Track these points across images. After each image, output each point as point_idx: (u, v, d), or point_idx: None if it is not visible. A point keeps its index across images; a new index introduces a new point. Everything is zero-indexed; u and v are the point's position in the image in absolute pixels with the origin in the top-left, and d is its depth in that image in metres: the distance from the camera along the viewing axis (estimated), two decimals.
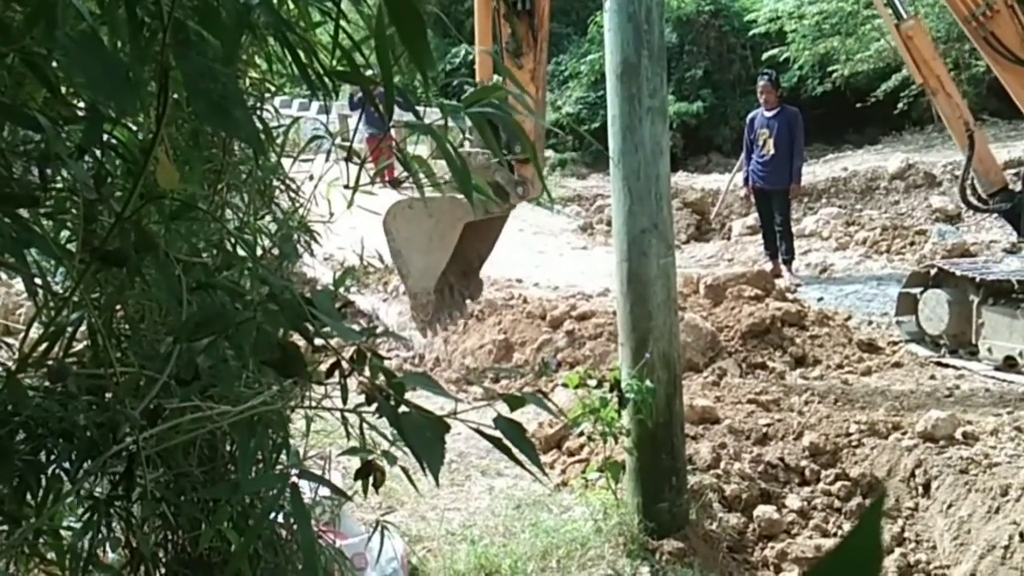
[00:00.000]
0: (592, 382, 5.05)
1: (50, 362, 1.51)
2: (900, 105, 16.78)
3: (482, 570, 4.47)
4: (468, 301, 8.11)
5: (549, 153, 19.61)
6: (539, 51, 7.26)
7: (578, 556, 4.61)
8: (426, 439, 1.23)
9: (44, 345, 1.53)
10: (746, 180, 11.09)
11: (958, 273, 7.61)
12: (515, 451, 1.35)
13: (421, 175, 1.85)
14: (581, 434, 5.30)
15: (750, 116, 11.01)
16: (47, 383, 1.50)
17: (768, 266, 10.60)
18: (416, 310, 7.72)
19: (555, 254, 13.01)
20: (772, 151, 10.49)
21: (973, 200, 8.26)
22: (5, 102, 1.24)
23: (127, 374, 1.53)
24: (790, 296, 8.89)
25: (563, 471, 5.80)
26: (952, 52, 15.82)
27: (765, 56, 19.24)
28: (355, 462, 1.66)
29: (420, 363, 8.48)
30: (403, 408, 1.29)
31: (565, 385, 5.24)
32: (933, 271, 8.03)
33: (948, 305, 7.66)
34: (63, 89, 1.44)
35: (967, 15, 7.38)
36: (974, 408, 6.45)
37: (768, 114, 10.59)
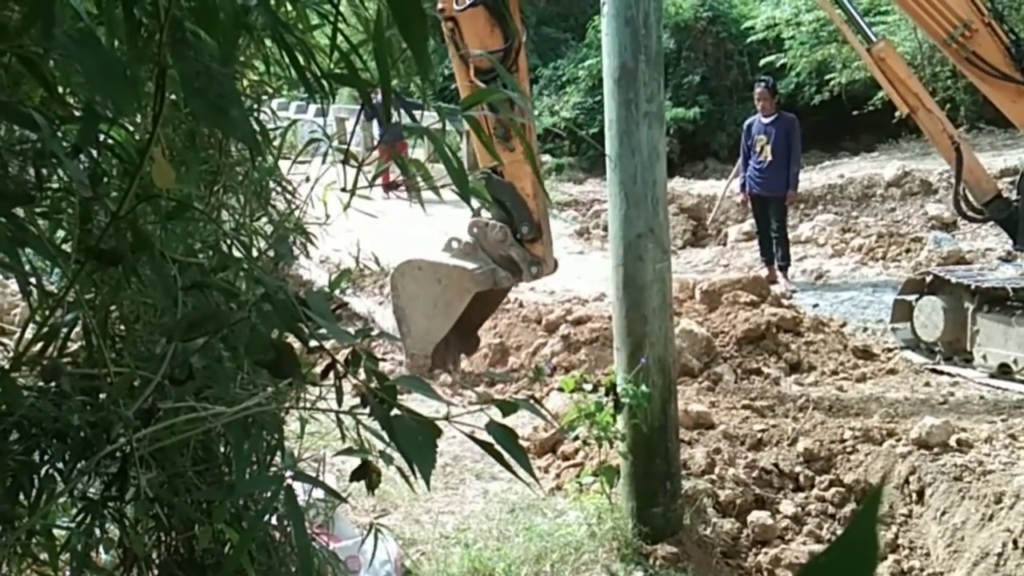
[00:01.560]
0: (587, 386, 5.04)
1: (44, 362, 1.51)
2: (897, 112, 16.79)
3: (476, 574, 4.46)
4: (463, 356, 8.19)
5: (546, 158, 19.64)
6: (527, 131, 7.30)
7: (572, 560, 4.60)
8: (417, 443, 1.23)
9: (38, 345, 1.53)
10: (743, 186, 11.10)
11: (953, 280, 7.62)
12: (507, 457, 1.35)
13: (419, 179, 1.85)
14: (576, 438, 5.29)
15: (747, 123, 11.02)
16: (41, 382, 1.50)
17: (764, 272, 10.60)
18: (411, 369, 7.77)
19: None
20: (769, 158, 10.50)
21: (967, 210, 8.26)
22: (2, 101, 1.24)
23: (121, 374, 1.52)
24: (785, 302, 8.88)
25: (558, 475, 5.80)
26: (948, 61, 15.83)
27: (762, 63, 19.28)
28: (349, 464, 1.66)
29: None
30: (395, 411, 1.29)
31: (560, 389, 5.24)
32: (929, 278, 8.04)
33: (943, 312, 7.67)
34: (60, 88, 1.44)
35: (945, 38, 7.37)
36: (968, 415, 6.46)
37: (765, 120, 10.61)
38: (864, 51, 8.10)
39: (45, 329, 1.48)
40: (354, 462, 1.63)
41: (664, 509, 4.88)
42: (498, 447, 1.31)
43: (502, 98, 2.01)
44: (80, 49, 0.97)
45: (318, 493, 2.95)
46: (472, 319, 8.17)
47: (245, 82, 2.39)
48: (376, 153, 1.79)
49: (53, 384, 1.45)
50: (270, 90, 2.54)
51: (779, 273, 10.84)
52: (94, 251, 1.22)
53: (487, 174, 7.14)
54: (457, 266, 7.59)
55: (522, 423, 5.94)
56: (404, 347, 7.91)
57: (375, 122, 2.01)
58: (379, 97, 1.41)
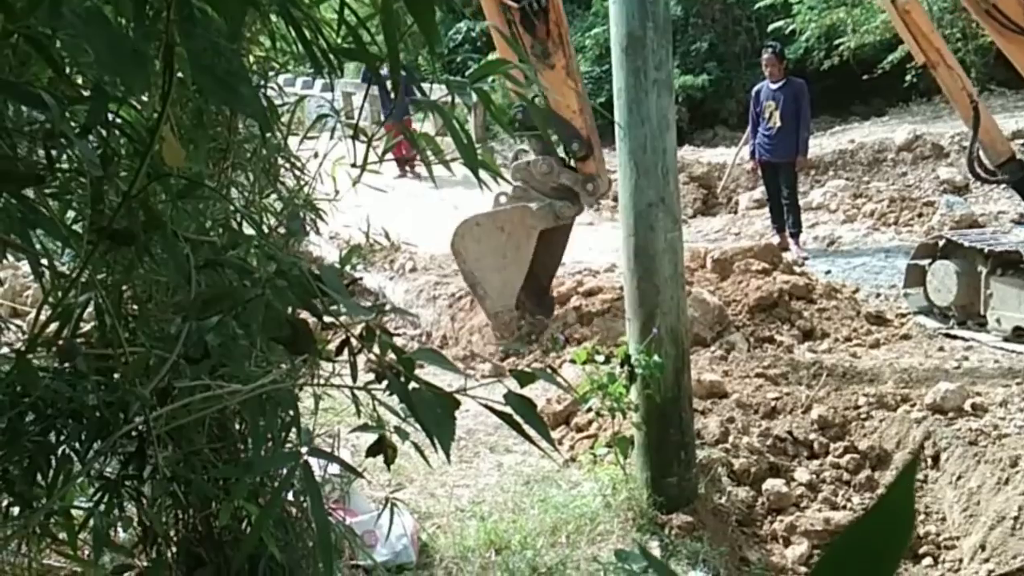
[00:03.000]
0: (600, 358, 5.04)
1: (59, 343, 1.51)
2: (908, 77, 16.67)
3: (492, 546, 4.48)
4: (544, 320, 8.02)
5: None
6: (565, 45, 7.20)
7: (587, 531, 4.62)
8: (437, 416, 1.22)
9: (53, 326, 1.53)
10: (752, 153, 11.02)
11: (966, 244, 7.58)
12: (526, 427, 1.35)
13: (429, 153, 1.84)
14: (589, 410, 5.29)
15: (755, 89, 10.93)
16: (57, 363, 1.50)
17: (775, 239, 10.56)
18: (499, 329, 7.59)
19: None
20: (778, 124, 10.42)
21: (981, 172, 8.20)
22: (11, 81, 1.23)
23: (137, 354, 1.53)
24: (798, 269, 8.85)
25: (571, 447, 5.81)
26: (958, 22, 15.71)
27: (771, 28, 19.08)
28: (363, 439, 1.67)
29: (427, 341, 8.48)
30: (413, 385, 1.29)
31: (573, 361, 5.23)
32: (941, 242, 8.00)
33: (956, 276, 7.63)
34: (67, 69, 1.44)
35: None
36: (983, 379, 6.44)
37: (774, 86, 10.52)
38: (889, 3, 8.00)
39: (59, 310, 1.48)
40: (369, 437, 1.63)
41: (679, 479, 4.88)
42: (517, 417, 1.31)
43: (510, 69, 2.00)
44: (89, 28, 0.96)
45: (333, 468, 2.96)
46: (539, 277, 8.00)
47: (251, 58, 2.38)
48: (384, 128, 1.78)
49: (69, 364, 1.46)
50: (276, 66, 2.53)
51: (791, 240, 10.79)
52: (107, 231, 1.22)
53: (522, 106, 7.04)
54: (515, 207, 7.45)
55: (534, 396, 5.93)
56: (485, 310, 7.74)
57: (367, 89, 1.99)
58: (387, 71, 1.40)
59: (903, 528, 0.40)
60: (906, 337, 7.61)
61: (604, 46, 18.79)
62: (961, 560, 5.03)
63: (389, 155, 1.87)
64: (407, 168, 13.61)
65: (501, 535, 4.54)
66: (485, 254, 7.49)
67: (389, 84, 1.54)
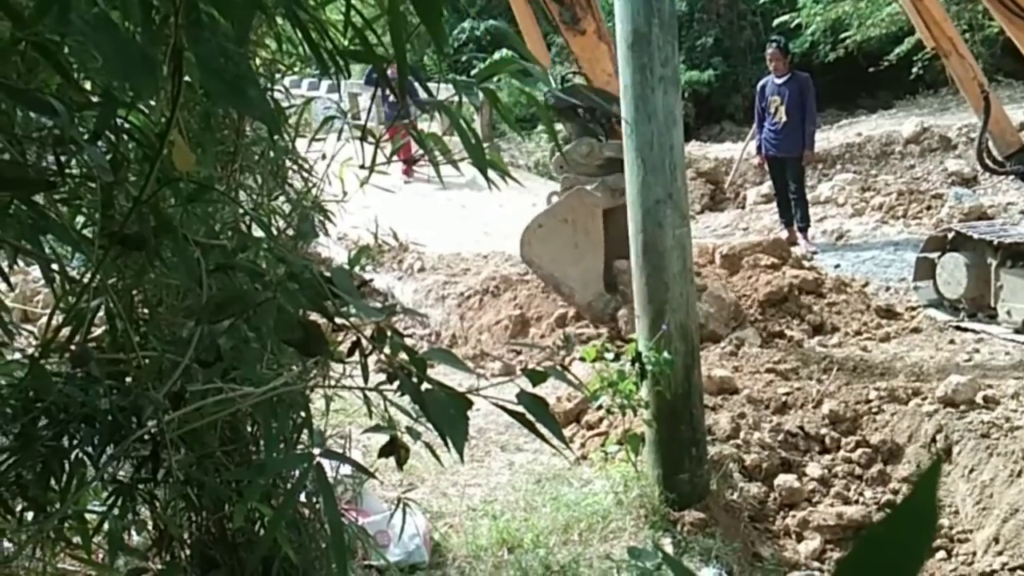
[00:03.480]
0: (609, 355, 5.04)
1: (72, 347, 1.51)
2: (914, 69, 16.62)
3: (504, 545, 4.48)
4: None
5: (559, 126, 19.50)
6: (594, 8, 7.09)
7: (600, 529, 4.62)
8: (449, 416, 1.23)
9: (65, 331, 1.53)
10: (759, 148, 11.01)
11: (976, 236, 7.55)
12: (539, 426, 1.35)
13: (437, 153, 1.84)
14: (600, 407, 5.29)
15: (760, 84, 10.91)
16: (70, 368, 1.51)
17: (784, 234, 10.54)
18: (596, 319, 7.40)
19: None
20: (784, 118, 10.40)
21: (990, 163, 8.18)
22: (21, 88, 1.24)
23: (150, 358, 1.53)
24: (807, 264, 8.84)
25: (582, 445, 5.80)
26: (965, 13, 15.65)
27: (776, 22, 19.04)
28: (375, 440, 1.67)
29: (437, 340, 8.49)
30: (425, 385, 1.29)
31: (582, 359, 5.23)
32: (950, 235, 7.98)
33: (966, 269, 7.61)
34: (76, 75, 1.44)
35: None
36: (994, 372, 6.42)
37: (779, 81, 10.50)
38: None
39: (71, 315, 1.48)
40: (380, 438, 1.63)
41: (690, 475, 4.88)
42: (530, 416, 1.31)
43: (516, 68, 2.00)
44: (97, 34, 0.96)
45: (345, 469, 2.97)
46: (619, 257, 7.88)
47: (258, 61, 2.39)
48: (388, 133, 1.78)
49: (82, 369, 1.46)
50: (283, 68, 2.53)
51: (799, 234, 10.77)
52: (118, 236, 1.23)
53: (553, 95, 6.88)
54: (571, 194, 7.30)
55: (544, 394, 5.94)
56: (576, 305, 7.58)
57: (390, 97, 2.00)
58: (393, 72, 1.40)
59: (927, 528, 0.40)
60: (916, 330, 7.60)
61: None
62: (975, 553, 5.02)
63: (396, 158, 1.87)
64: (408, 172, 13.25)
65: (513, 534, 4.54)
66: (557, 251, 7.32)
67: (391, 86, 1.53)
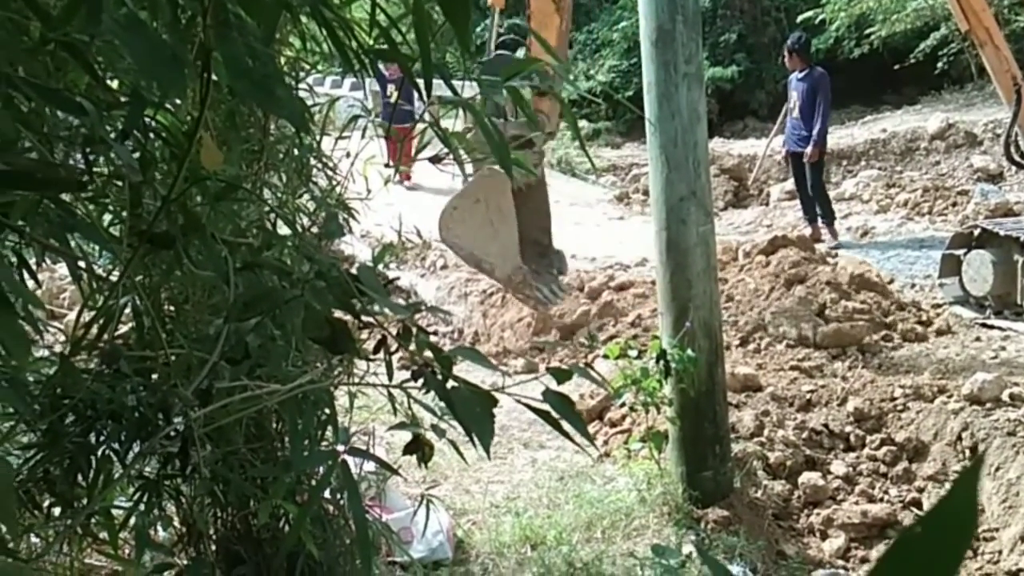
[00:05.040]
0: (632, 353, 5.03)
1: (101, 345, 1.53)
2: (940, 64, 16.50)
3: (527, 541, 4.49)
4: (560, 276, 7.88)
5: (583, 123, 19.49)
6: (562, 10, 7.10)
7: (623, 526, 4.61)
8: (475, 414, 1.23)
9: (93, 328, 1.55)
10: (784, 143, 10.96)
11: (1002, 233, 7.49)
12: (563, 423, 1.35)
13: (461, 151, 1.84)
14: (623, 405, 5.28)
15: (789, 77, 10.88)
16: (100, 365, 1.52)
17: (808, 231, 10.49)
18: (516, 291, 7.49)
19: (591, 225, 12.95)
20: (798, 114, 10.37)
21: (1018, 157, 8.12)
22: (52, 88, 1.25)
23: (178, 355, 1.54)
24: (831, 260, 8.79)
25: (605, 442, 5.80)
26: (991, 6, 15.51)
27: (800, 18, 18.94)
28: (398, 436, 1.68)
29: (459, 338, 8.50)
30: (451, 383, 1.29)
31: (606, 356, 5.22)
32: (976, 231, 7.92)
33: (992, 266, 7.55)
34: (103, 75, 1.45)
35: None
36: (1021, 370, 6.37)
37: (798, 77, 10.45)
38: None
39: (101, 312, 1.50)
40: (403, 435, 1.64)
41: (714, 473, 4.87)
42: (555, 414, 1.31)
43: (540, 67, 2.00)
44: (128, 33, 0.97)
45: (369, 466, 2.98)
46: (538, 238, 7.90)
47: (282, 59, 2.40)
48: (419, 127, 1.79)
49: (112, 366, 1.47)
50: (307, 66, 2.54)
51: (823, 228, 10.72)
52: (147, 235, 1.23)
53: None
54: (479, 175, 7.39)
55: (567, 391, 5.94)
56: (498, 280, 7.65)
57: (390, 97, 2.00)
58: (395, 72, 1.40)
59: (966, 528, 0.40)
60: (942, 328, 7.54)
61: (632, 40, 18.73)
62: (1000, 551, 4.98)
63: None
64: (403, 176, 12.46)
65: (536, 531, 4.55)
66: (474, 231, 7.39)
67: (392, 89, 1.54)
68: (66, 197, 1.45)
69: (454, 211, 7.33)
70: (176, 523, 2.37)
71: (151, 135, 1.56)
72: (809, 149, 10.32)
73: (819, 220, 10.76)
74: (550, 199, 8.00)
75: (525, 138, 7.13)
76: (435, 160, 2.00)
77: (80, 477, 1.67)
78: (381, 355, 1.59)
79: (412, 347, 1.42)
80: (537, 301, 7.31)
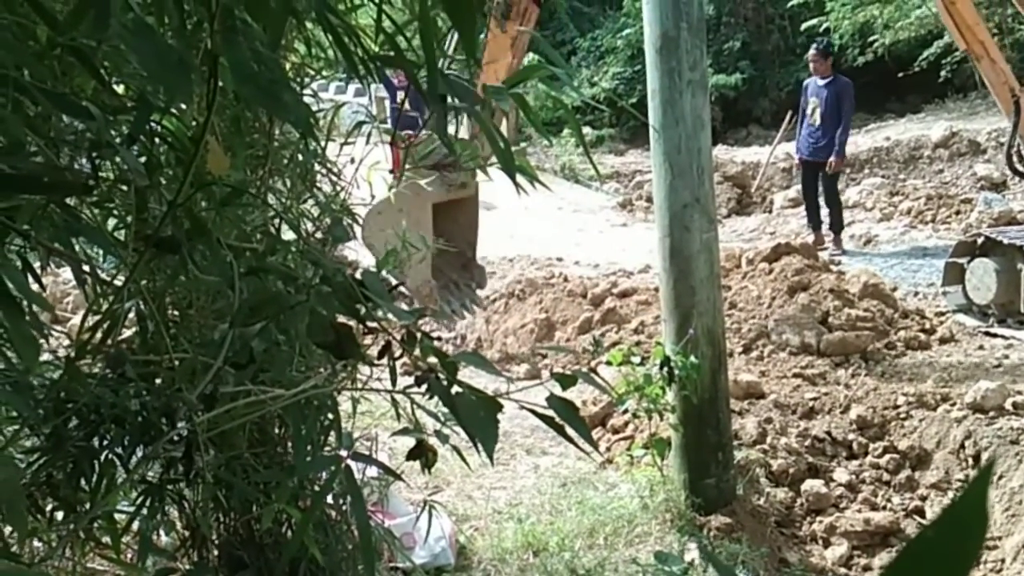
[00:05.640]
0: (636, 359, 5.03)
1: (106, 349, 1.53)
2: (943, 72, 16.51)
3: (529, 548, 4.48)
4: (477, 290, 8.02)
5: (587, 129, 19.51)
6: (525, 20, 7.14)
7: (625, 533, 4.61)
8: (479, 419, 1.23)
9: (98, 332, 1.55)
10: (798, 148, 10.87)
11: (1005, 241, 7.49)
12: (567, 429, 1.35)
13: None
14: (626, 411, 5.28)
15: (805, 82, 10.76)
16: (104, 369, 1.52)
17: (811, 238, 10.48)
18: (423, 302, 7.62)
19: (595, 231, 12.97)
20: (819, 121, 10.29)
21: (1020, 167, 8.12)
22: (59, 93, 1.25)
23: (182, 359, 1.54)
24: (835, 268, 8.79)
25: (608, 448, 5.80)
26: (995, 16, 15.53)
27: (804, 26, 18.97)
28: (400, 442, 1.68)
29: (462, 343, 8.50)
30: (456, 388, 1.29)
31: (609, 363, 5.22)
32: (980, 240, 7.92)
33: (995, 274, 7.55)
34: (110, 80, 1.46)
35: None
36: None
37: (820, 83, 10.35)
38: None
39: (106, 317, 1.50)
40: (407, 440, 1.64)
41: (717, 480, 4.86)
42: (559, 420, 1.31)
43: (545, 74, 2.00)
44: (135, 38, 0.97)
45: (371, 471, 2.98)
46: (462, 249, 7.99)
47: (288, 65, 2.40)
48: (422, 134, 1.79)
49: (116, 370, 1.48)
50: (312, 72, 2.54)
51: (828, 236, 10.70)
52: (152, 239, 1.24)
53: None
54: (407, 187, 7.51)
55: (570, 398, 5.94)
56: (406, 290, 7.77)
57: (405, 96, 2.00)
58: (402, 80, 1.41)
59: (977, 534, 0.40)
60: (945, 336, 7.54)
61: (636, 47, 18.77)
62: (1003, 560, 4.97)
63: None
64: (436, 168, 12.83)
65: (539, 537, 4.54)
66: (391, 238, 7.46)
67: (402, 94, 1.54)
68: (71, 201, 1.45)
69: (378, 215, 7.48)
70: (179, 527, 2.37)
71: (157, 140, 1.56)
72: (833, 159, 10.27)
73: (823, 228, 10.74)
74: (555, 205, 8.06)
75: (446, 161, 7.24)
76: (439, 167, 2.00)
77: (83, 481, 1.67)
78: (385, 360, 1.59)
79: (416, 352, 1.43)
80: (443, 315, 7.42)
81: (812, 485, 5.41)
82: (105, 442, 1.63)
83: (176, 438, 1.59)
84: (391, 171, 1.94)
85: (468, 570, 4.33)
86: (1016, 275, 7.46)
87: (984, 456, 5.46)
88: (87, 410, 1.53)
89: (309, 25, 2.01)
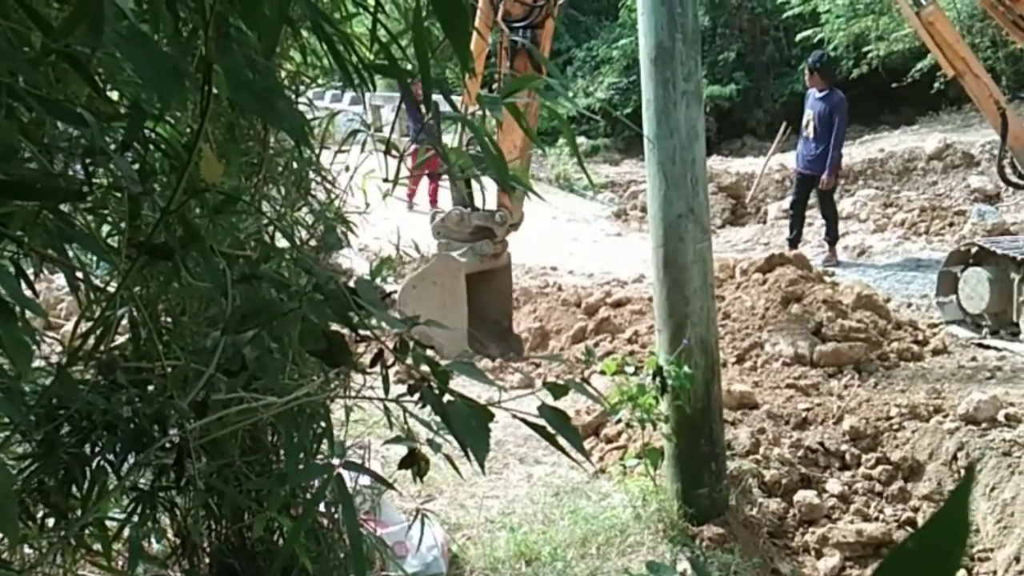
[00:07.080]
0: (629, 369, 5.03)
1: (98, 356, 1.53)
2: (937, 84, 16.57)
3: (522, 557, 4.48)
4: (514, 356, 8.08)
5: (582, 139, 19.55)
6: (544, 48, 7.19)
7: (618, 543, 4.60)
8: (471, 428, 1.23)
9: (90, 339, 1.55)
10: (796, 159, 10.86)
11: (999, 251, 7.51)
12: (559, 439, 1.35)
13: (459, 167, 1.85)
14: (619, 421, 5.28)
15: (807, 92, 10.75)
16: (96, 376, 1.52)
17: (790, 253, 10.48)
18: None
19: (589, 241, 12.99)
20: (812, 135, 10.30)
21: (1013, 178, 8.15)
22: (53, 100, 1.25)
23: (174, 366, 1.54)
24: (828, 279, 8.81)
25: (601, 458, 5.79)
26: (988, 30, 15.59)
27: (798, 38, 19.06)
28: (393, 451, 1.68)
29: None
30: (447, 397, 1.29)
31: (602, 372, 5.23)
32: (973, 249, 7.94)
33: (989, 284, 7.57)
34: (104, 87, 1.46)
35: (993, 1, 7.30)
36: (1017, 389, 6.38)
37: (817, 96, 10.34)
38: (913, 14, 7.99)
39: (99, 323, 1.50)
40: (399, 449, 1.64)
41: (709, 490, 4.86)
42: (551, 429, 1.31)
43: (542, 85, 2.01)
44: (130, 45, 0.98)
45: (364, 480, 2.97)
46: (498, 320, 8.16)
47: (282, 73, 2.40)
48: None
49: (108, 377, 1.47)
50: (307, 80, 2.55)
51: (827, 247, 10.74)
52: (146, 246, 1.24)
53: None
54: (440, 258, 7.75)
55: (563, 407, 5.93)
56: (445, 359, 7.85)
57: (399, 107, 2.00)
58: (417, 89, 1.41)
59: (959, 543, 0.40)
60: (938, 347, 7.55)
61: (631, 57, 18.81)
62: (995, 572, 4.97)
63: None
64: (413, 201, 12.22)
65: (531, 546, 4.54)
66: (428, 310, 7.62)
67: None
68: (65, 208, 1.45)
69: (413, 289, 7.66)
70: (170, 535, 2.36)
71: (151, 147, 1.56)
72: (824, 177, 10.25)
73: (799, 244, 10.74)
74: (550, 215, 8.17)
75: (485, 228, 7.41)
76: (433, 176, 2.00)
77: (75, 488, 1.67)
78: (378, 369, 1.59)
79: (409, 361, 1.43)
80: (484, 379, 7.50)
81: (805, 496, 5.41)
82: (97, 449, 1.63)
83: (168, 445, 1.58)
84: (384, 179, 1.94)
85: None
86: (1009, 285, 7.49)
87: (976, 468, 5.47)
88: (79, 417, 1.53)
89: (304, 33, 2.01)
